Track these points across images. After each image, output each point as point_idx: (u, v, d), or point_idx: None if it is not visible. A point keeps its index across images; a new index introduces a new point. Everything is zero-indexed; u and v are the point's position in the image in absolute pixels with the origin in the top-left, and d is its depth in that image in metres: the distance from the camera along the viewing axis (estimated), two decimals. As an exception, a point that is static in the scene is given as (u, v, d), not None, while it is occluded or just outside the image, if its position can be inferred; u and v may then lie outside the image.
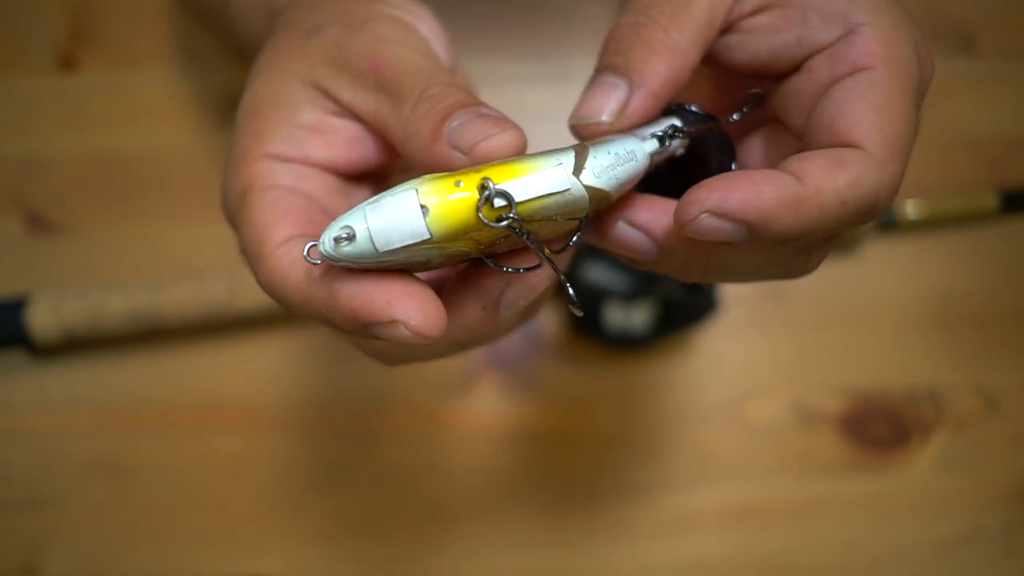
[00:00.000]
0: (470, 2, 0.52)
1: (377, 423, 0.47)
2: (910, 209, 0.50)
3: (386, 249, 0.19)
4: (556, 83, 0.51)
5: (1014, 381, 0.49)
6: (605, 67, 0.24)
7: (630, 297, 0.46)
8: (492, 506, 0.46)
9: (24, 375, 0.47)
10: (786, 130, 0.26)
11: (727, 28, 0.25)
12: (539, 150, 0.21)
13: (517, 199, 0.20)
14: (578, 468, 0.47)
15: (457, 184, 0.19)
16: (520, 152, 0.22)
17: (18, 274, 0.48)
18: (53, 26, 0.52)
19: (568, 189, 0.20)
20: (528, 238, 0.20)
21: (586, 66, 0.26)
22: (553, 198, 0.20)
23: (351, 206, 0.26)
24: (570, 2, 0.53)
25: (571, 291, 0.21)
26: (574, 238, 0.22)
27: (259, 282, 0.23)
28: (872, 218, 0.22)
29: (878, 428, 0.48)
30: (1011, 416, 0.48)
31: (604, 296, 0.46)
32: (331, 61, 0.25)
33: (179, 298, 0.45)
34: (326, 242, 0.19)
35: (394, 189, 0.19)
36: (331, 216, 0.25)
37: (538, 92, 0.51)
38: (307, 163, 0.25)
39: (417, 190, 0.19)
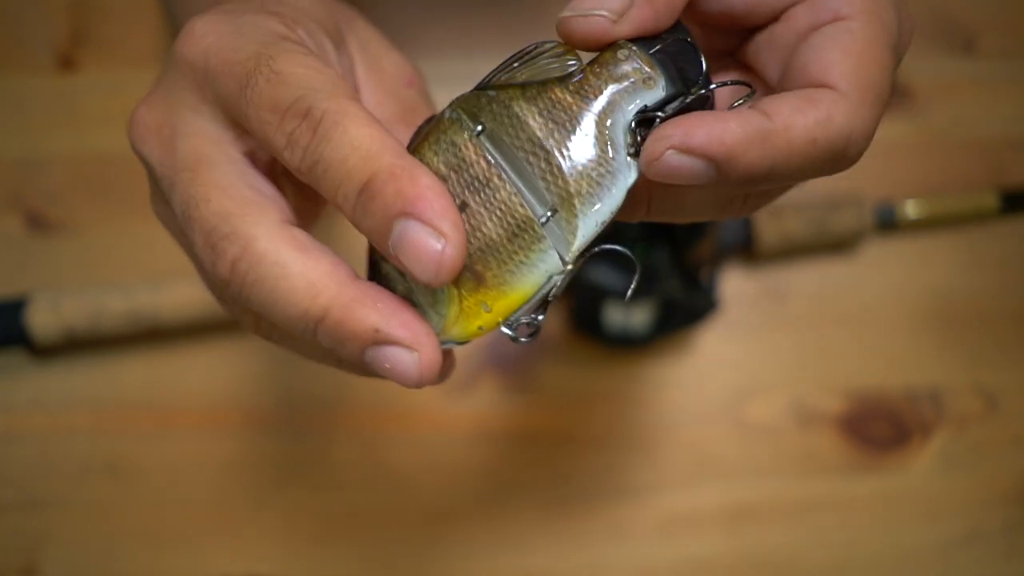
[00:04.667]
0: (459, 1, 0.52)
1: (377, 423, 0.47)
2: (910, 209, 0.50)
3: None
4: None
5: (1014, 381, 0.49)
6: None
7: (630, 297, 0.46)
8: (492, 506, 0.46)
9: (24, 375, 0.47)
10: (762, 85, 0.25)
11: None
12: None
13: (532, 318, 0.22)
14: (578, 468, 0.47)
15: (480, 329, 0.22)
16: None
17: (18, 274, 0.48)
18: (53, 26, 0.52)
19: (566, 268, 0.21)
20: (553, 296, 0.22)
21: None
22: (556, 283, 0.22)
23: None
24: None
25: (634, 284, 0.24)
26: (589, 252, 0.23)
27: (316, 115, 0.21)
28: (840, 165, 0.21)
29: (878, 428, 0.48)
30: (1011, 416, 0.48)
31: (604, 296, 0.45)
32: (378, 44, 0.27)
33: (178, 298, 0.45)
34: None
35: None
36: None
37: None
38: None
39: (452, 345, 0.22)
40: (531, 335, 0.22)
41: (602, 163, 0.21)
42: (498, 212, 0.21)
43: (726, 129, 0.20)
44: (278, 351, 0.47)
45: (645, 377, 0.48)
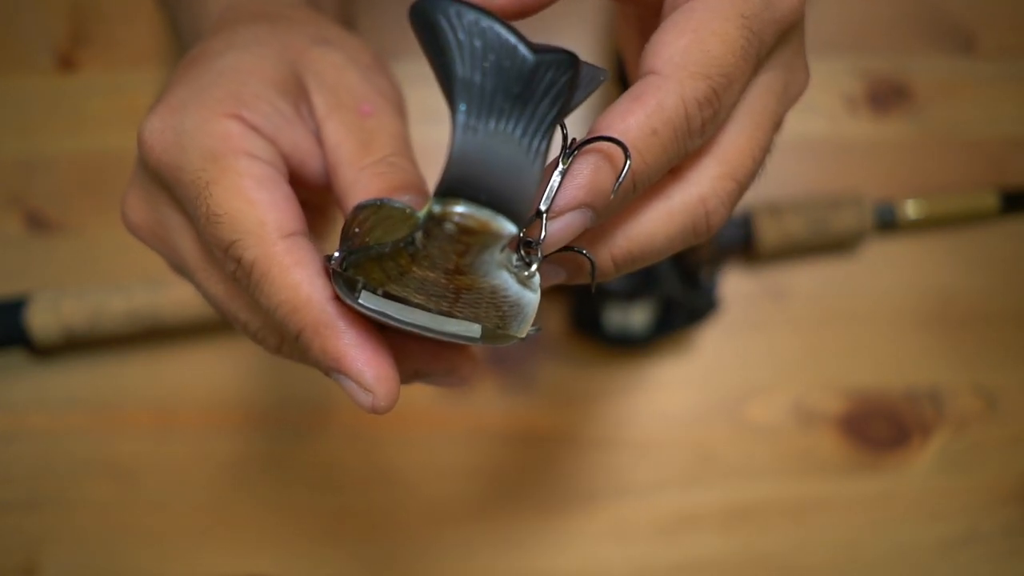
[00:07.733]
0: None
1: (376, 423, 0.47)
2: (910, 209, 0.50)
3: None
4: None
5: (1014, 381, 0.49)
6: None
7: (630, 297, 0.46)
8: (491, 506, 0.46)
9: (24, 375, 0.47)
10: None
11: None
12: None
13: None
14: (578, 468, 0.47)
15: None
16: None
17: (18, 274, 0.48)
18: (53, 26, 0.52)
19: (525, 335, 0.23)
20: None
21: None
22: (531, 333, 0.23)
23: None
24: None
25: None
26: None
27: (246, 264, 0.22)
28: (694, 140, 0.21)
29: (878, 428, 0.48)
30: (1011, 416, 0.48)
31: (604, 296, 0.46)
32: (335, 73, 0.26)
33: (179, 298, 0.45)
34: None
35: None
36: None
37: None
38: (276, 147, 0.25)
39: None
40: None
41: (499, 304, 0.21)
42: (442, 341, 0.22)
43: (576, 174, 0.20)
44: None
45: (645, 377, 0.48)
